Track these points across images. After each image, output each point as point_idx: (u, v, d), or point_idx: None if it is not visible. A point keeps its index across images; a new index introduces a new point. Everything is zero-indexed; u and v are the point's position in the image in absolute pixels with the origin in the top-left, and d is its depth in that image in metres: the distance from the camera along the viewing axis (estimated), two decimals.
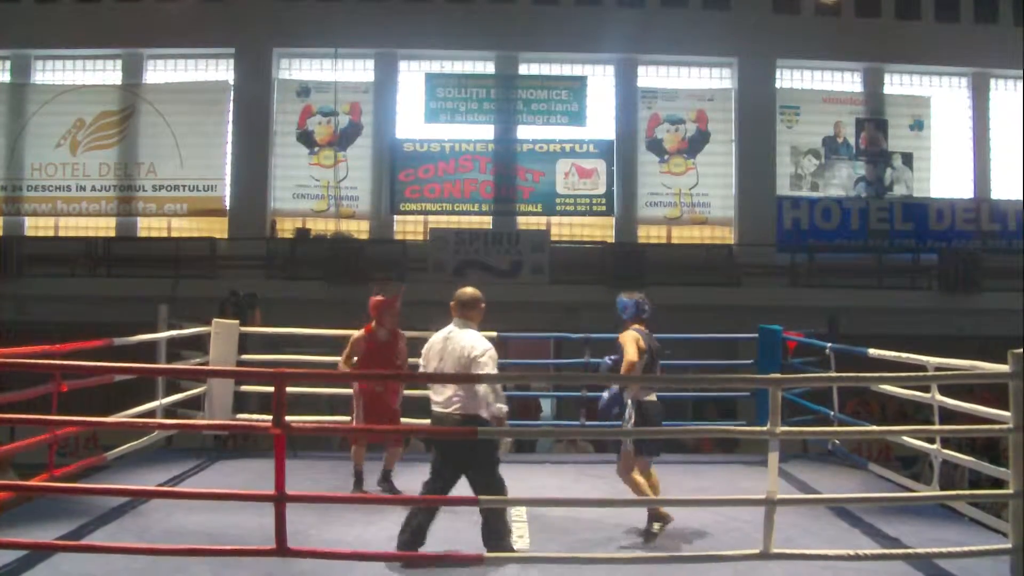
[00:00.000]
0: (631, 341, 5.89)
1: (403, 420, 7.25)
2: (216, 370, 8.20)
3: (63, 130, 18.48)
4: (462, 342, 5.28)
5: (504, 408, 5.21)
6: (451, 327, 5.43)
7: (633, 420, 5.83)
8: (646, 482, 5.89)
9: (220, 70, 18.84)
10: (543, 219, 18.49)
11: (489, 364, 5.21)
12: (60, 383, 6.18)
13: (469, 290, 5.48)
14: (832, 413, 8.12)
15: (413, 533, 5.19)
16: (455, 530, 5.59)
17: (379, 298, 6.96)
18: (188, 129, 18.37)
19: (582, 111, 18.68)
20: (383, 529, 5.99)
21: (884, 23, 18.84)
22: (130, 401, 7.86)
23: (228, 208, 18.33)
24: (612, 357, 6.11)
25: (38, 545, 5.09)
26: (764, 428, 4.94)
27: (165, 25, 18.03)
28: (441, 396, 5.29)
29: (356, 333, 6.97)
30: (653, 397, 5.98)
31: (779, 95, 18.84)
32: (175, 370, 7.75)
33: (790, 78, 19.16)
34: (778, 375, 7.40)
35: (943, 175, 19.10)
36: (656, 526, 5.74)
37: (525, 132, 18.67)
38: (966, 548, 5.11)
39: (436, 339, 5.44)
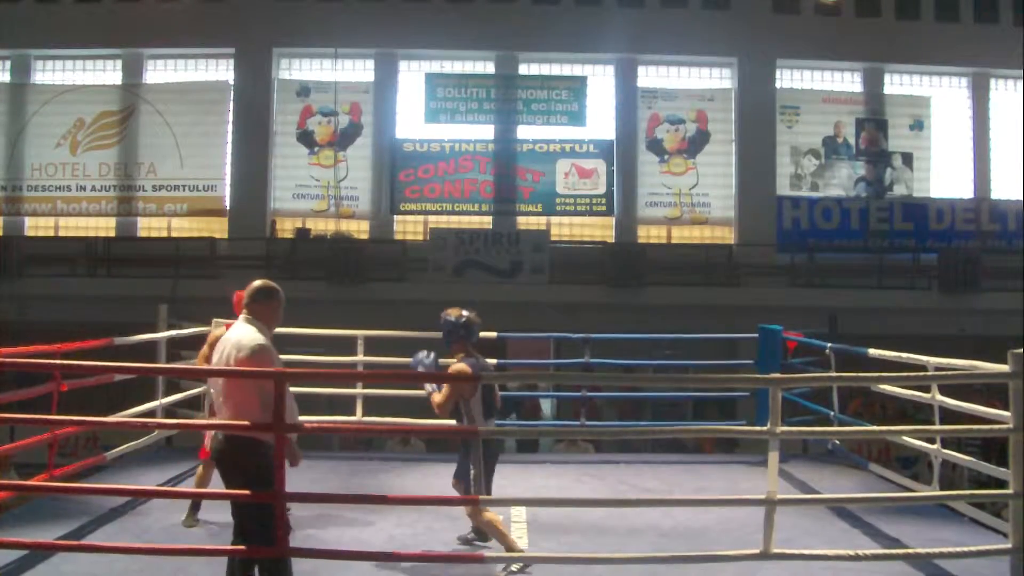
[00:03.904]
0: (451, 386, 5.34)
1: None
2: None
3: (63, 130, 18.47)
4: (231, 340, 4.46)
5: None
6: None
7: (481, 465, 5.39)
8: (495, 517, 5.37)
9: (220, 70, 18.83)
10: (543, 219, 18.48)
11: (251, 365, 4.31)
12: (60, 383, 6.18)
13: (258, 282, 4.63)
14: (832, 413, 8.12)
15: None
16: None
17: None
18: (188, 129, 18.35)
19: (582, 111, 18.67)
20: (382, 529, 6.01)
21: (884, 23, 18.83)
22: (130, 401, 7.86)
23: (228, 208, 18.32)
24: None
25: (38, 545, 5.08)
26: (764, 428, 4.94)
27: (165, 25, 18.03)
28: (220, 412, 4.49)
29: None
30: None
31: (779, 95, 18.82)
32: (175, 370, 7.74)
33: (790, 78, 19.15)
34: (778, 375, 7.40)
35: (943, 175, 19.08)
36: (517, 566, 5.19)
37: (525, 132, 18.66)
38: (966, 548, 5.11)
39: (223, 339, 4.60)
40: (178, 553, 4.93)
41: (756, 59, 18.60)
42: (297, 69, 18.91)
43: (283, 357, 9.80)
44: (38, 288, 16.43)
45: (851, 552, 4.89)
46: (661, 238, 18.80)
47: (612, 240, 18.18)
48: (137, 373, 6.59)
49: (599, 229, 18.68)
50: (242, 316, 4.56)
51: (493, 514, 5.37)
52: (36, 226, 18.64)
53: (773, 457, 4.82)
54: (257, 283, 4.62)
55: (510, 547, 5.27)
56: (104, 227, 18.43)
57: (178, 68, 18.88)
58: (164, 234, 18.45)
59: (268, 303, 4.56)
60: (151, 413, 7.85)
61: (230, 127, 18.47)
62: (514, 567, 5.15)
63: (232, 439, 4.34)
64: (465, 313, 5.60)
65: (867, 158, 18.92)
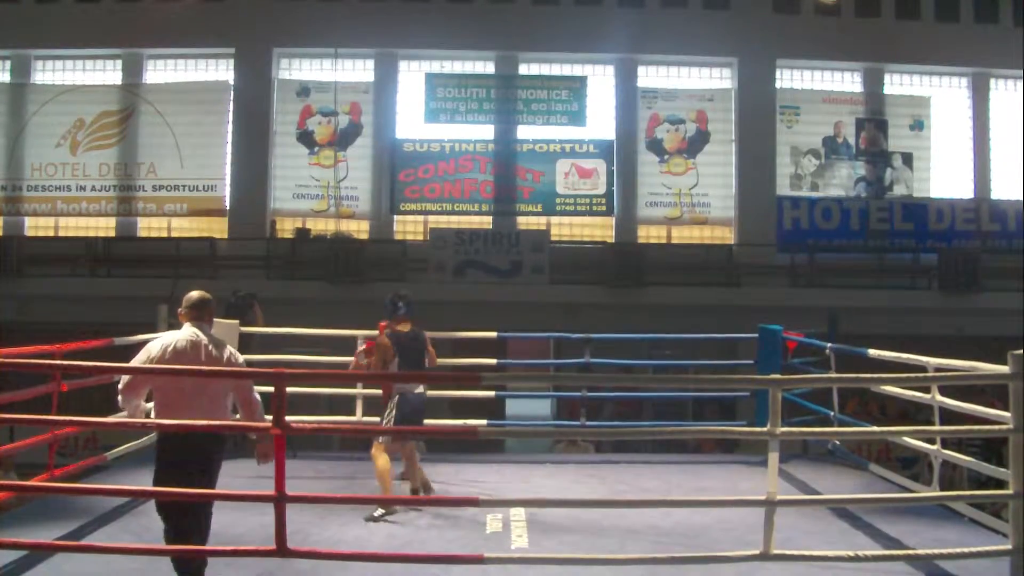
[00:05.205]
0: (377, 351, 6.74)
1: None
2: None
3: (63, 130, 18.46)
4: (211, 343, 4.83)
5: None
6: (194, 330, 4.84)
7: (393, 413, 6.63)
8: (386, 466, 6.49)
9: (220, 70, 18.82)
10: (543, 219, 18.48)
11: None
12: (60, 383, 6.18)
13: (199, 293, 4.96)
14: (832, 413, 8.12)
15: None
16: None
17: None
18: (188, 129, 18.35)
19: (582, 111, 18.67)
20: (382, 529, 6.01)
21: (884, 23, 18.83)
22: None
23: (228, 208, 18.32)
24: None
25: (38, 545, 5.08)
26: (764, 429, 4.94)
27: (165, 25, 18.02)
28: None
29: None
30: (419, 390, 6.76)
31: (779, 95, 18.82)
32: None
33: (790, 78, 19.15)
34: (778, 375, 7.40)
35: (943, 175, 19.07)
36: (379, 512, 6.28)
37: (525, 132, 18.66)
38: (966, 548, 5.11)
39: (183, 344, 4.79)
40: (177, 553, 4.92)
41: (756, 59, 18.60)
42: (297, 69, 18.90)
43: (284, 357, 9.84)
44: (38, 288, 16.44)
45: (851, 553, 4.89)
46: (661, 238, 18.80)
47: (612, 240, 18.18)
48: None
49: (599, 229, 18.67)
50: (201, 324, 4.89)
51: (387, 461, 6.46)
52: (36, 226, 18.63)
53: (773, 458, 4.82)
54: (198, 294, 4.95)
55: (386, 498, 6.29)
56: (104, 227, 18.43)
57: (178, 68, 18.88)
58: (164, 234, 18.44)
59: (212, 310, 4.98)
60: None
61: (230, 127, 18.47)
62: (376, 513, 6.21)
63: (217, 436, 4.70)
64: (400, 295, 7.04)
65: (867, 158, 18.92)
